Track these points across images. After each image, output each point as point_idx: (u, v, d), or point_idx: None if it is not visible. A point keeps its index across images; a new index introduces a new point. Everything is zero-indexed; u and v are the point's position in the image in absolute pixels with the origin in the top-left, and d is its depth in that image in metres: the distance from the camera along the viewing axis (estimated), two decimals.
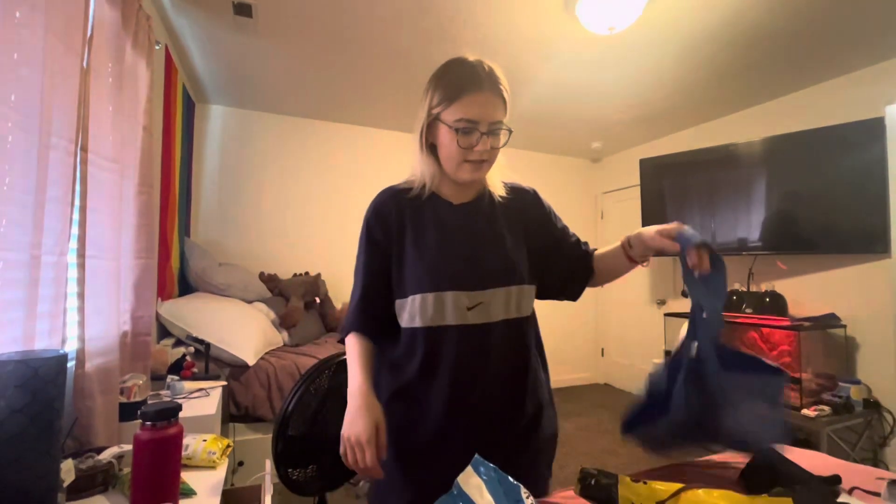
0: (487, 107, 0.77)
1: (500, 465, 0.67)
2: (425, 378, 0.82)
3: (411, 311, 0.83)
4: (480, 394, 0.82)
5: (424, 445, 0.83)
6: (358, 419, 0.74)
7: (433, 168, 0.86)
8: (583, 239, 1.01)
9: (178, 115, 2.55)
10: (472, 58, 0.81)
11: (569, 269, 0.95)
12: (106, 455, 1.02)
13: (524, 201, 0.94)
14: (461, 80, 0.78)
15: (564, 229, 0.97)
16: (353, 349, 0.84)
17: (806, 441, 2.31)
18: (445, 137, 0.80)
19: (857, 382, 2.43)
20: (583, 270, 0.95)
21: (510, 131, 0.82)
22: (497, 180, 0.91)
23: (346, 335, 0.88)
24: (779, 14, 2.06)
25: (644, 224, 3.57)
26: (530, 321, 0.90)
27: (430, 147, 0.85)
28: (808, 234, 2.69)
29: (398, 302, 0.85)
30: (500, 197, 0.90)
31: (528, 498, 0.45)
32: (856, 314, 2.58)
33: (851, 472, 0.88)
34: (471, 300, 0.81)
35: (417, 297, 0.81)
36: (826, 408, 2.32)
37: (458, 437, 0.82)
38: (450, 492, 0.46)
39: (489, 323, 0.82)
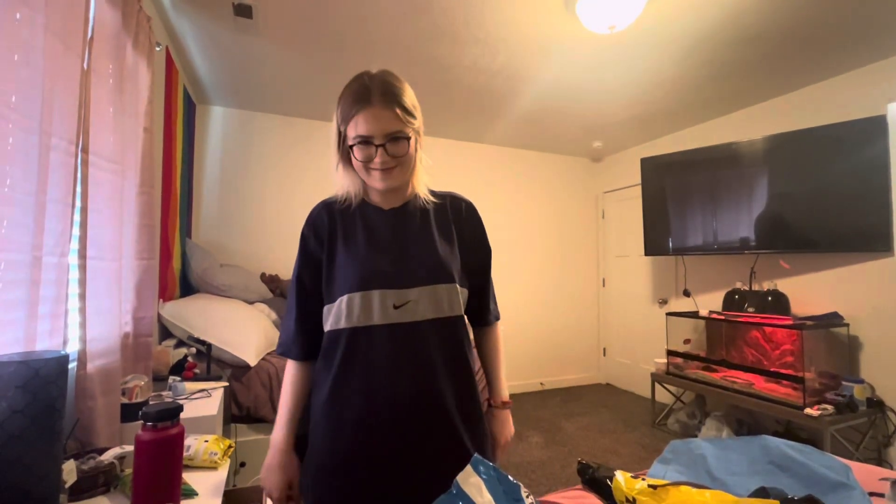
0: (380, 121, 0.78)
1: (427, 476, 0.71)
2: (344, 382, 0.82)
3: (337, 313, 0.83)
4: (406, 394, 0.80)
5: (343, 457, 0.81)
6: (271, 475, 0.83)
7: (355, 179, 0.87)
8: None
9: (179, 116, 2.55)
10: (374, 70, 0.83)
11: (476, 305, 0.98)
12: (108, 456, 1.02)
13: (457, 208, 0.95)
14: (352, 98, 0.79)
15: (486, 271, 0.99)
16: (286, 387, 0.89)
17: (810, 441, 2.31)
18: (352, 150, 0.82)
19: (861, 381, 2.42)
20: (474, 319, 1.01)
21: (408, 138, 0.81)
22: (423, 188, 0.91)
23: (284, 355, 0.90)
24: (780, 12, 2.05)
25: (645, 225, 3.57)
26: (462, 322, 0.90)
27: (349, 160, 0.86)
28: (810, 233, 2.68)
29: (326, 308, 0.86)
30: (432, 202, 0.92)
31: (527, 497, 0.44)
32: (858, 313, 2.57)
33: (855, 472, 0.88)
34: (398, 298, 0.82)
35: (345, 297, 0.82)
36: (829, 407, 2.31)
37: (378, 445, 0.80)
38: (448, 491, 0.45)
39: (417, 322, 0.82)
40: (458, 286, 0.87)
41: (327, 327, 0.85)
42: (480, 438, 0.88)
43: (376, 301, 0.81)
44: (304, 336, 0.88)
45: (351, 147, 0.81)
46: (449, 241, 0.90)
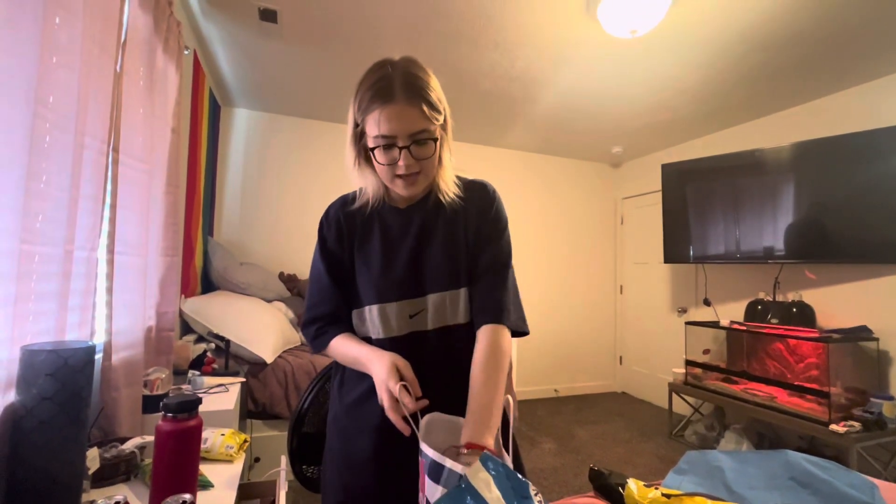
0: (403, 119, 0.70)
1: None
2: (371, 391, 0.77)
3: (360, 321, 0.83)
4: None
5: (363, 463, 0.81)
6: (375, 369, 0.72)
7: (373, 178, 0.81)
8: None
9: (205, 117, 2.62)
10: (396, 58, 0.75)
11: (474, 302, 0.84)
12: (129, 445, 1.05)
13: (472, 198, 0.87)
14: (372, 91, 0.72)
15: (489, 264, 0.84)
16: (343, 342, 0.82)
17: (835, 458, 2.22)
18: (374, 152, 0.75)
19: (891, 398, 2.32)
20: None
21: (434, 139, 0.74)
22: (446, 182, 0.84)
23: (326, 345, 0.84)
24: (808, 17, 2.00)
25: (665, 232, 3.51)
26: (470, 329, 0.83)
27: (367, 157, 0.79)
28: (837, 243, 2.59)
29: (354, 312, 0.85)
30: (453, 196, 0.84)
31: (536, 495, 0.44)
32: (889, 327, 2.47)
33: (883, 492, 0.84)
34: (413, 308, 0.80)
35: (366, 309, 0.82)
36: (856, 424, 2.23)
37: (391, 450, 0.79)
38: (457, 485, 0.46)
39: (426, 331, 0.81)
40: (465, 291, 0.83)
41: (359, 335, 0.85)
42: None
43: (393, 312, 0.80)
44: (345, 323, 0.86)
45: (372, 149, 0.74)
46: (461, 239, 0.85)
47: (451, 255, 0.83)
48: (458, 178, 0.88)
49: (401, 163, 0.73)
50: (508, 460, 0.65)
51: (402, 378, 0.69)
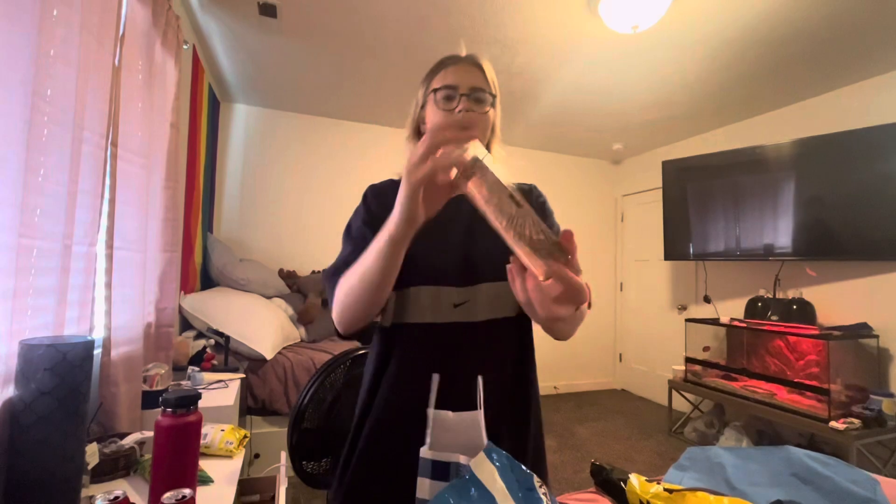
0: (466, 74, 0.78)
1: None
2: (398, 384, 0.75)
3: (399, 305, 0.77)
4: (456, 404, 0.71)
5: (394, 454, 0.74)
6: (394, 212, 0.61)
7: None
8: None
9: (204, 113, 2.61)
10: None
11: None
12: (128, 440, 1.05)
13: (526, 193, 0.88)
14: (441, 60, 0.81)
15: None
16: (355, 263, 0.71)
17: (835, 455, 2.23)
18: (430, 109, 0.80)
19: (890, 395, 2.32)
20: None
21: (493, 96, 0.80)
22: (500, 159, 0.85)
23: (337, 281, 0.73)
24: (809, 14, 1.99)
25: (666, 229, 3.51)
26: (522, 322, 0.81)
27: (420, 135, 0.83)
28: (838, 240, 2.59)
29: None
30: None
31: (540, 486, 0.44)
32: (889, 324, 2.47)
33: (884, 488, 0.84)
34: (459, 296, 0.76)
35: (404, 291, 0.76)
36: (856, 421, 2.23)
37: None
38: (461, 476, 0.45)
39: (474, 322, 0.76)
40: None
41: (389, 319, 0.79)
42: (531, 455, 0.79)
43: (437, 296, 0.75)
44: None
45: (435, 96, 0.78)
46: None
47: (502, 243, 0.79)
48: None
49: (458, 108, 0.76)
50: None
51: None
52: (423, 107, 0.82)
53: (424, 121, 0.82)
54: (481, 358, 0.77)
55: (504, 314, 0.78)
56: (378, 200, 0.83)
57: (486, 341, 0.77)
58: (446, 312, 0.76)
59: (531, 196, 0.90)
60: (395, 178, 0.85)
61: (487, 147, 0.82)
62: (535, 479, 0.44)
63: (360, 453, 0.79)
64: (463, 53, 0.81)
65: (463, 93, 0.76)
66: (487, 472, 0.44)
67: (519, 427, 0.78)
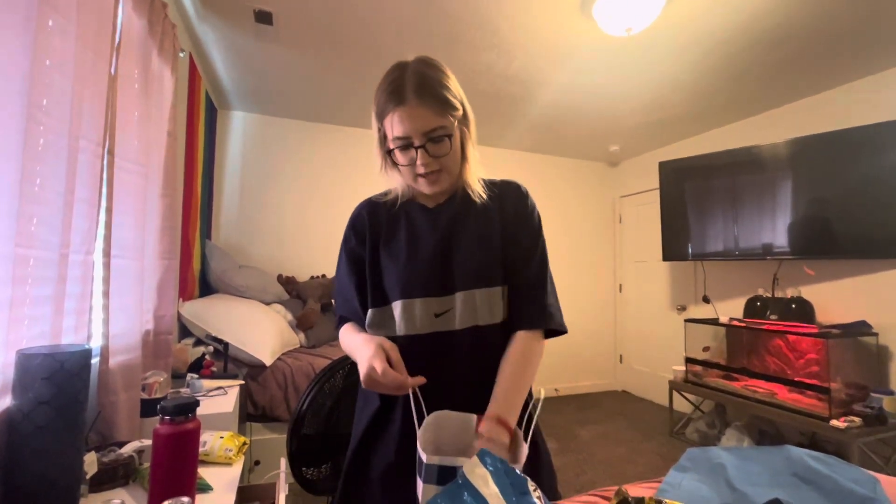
0: (415, 119, 0.72)
1: None
2: (386, 394, 0.77)
3: (383, 320, 0.81)
4: (440, 408, 0.73)
5: (384, 469, 0.78)
6: (362, 352, 0.71)
7: (400, 179, 0.83)
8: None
9: (201, 120, 2.62)
10: (410, 58, 0.77)
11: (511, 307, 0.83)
12: (127, 449, 1.04)
13: (504, 198, 0.86)
14: (386, 94, 0.74)
15: (522, 266, 0.83)
16: (345, 332, 0.84)
17: (836, 454, 2.22)
18: (393, 154, 0.77)
19: (891, 393, 2.32)
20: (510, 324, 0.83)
21: (450, 136, 0.75)
22: (474, 179, 0.84)
23: (342, 325, 0.87)
24: (803, 13, 2.01)
25: (664, 230, 3.51)
26: (505, 328, 0.81)
27: (393, 161, 0.81)
28: (835, 238, 2.59)
29: (370, 311, 0.82)
30: (482, 195, 0.83)
31: (535, 490, 0.44)
32: (889, 322, 2.48)
33: (884, 485, 0.84)
34: (439, 306, 0.78)
35: (389, 306, 0.80)
36: (857, 419, 2.23)
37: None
38: (454, 481, 0.45)
39: (454, 331, 0.78)
40: (501, 289, 0.81)
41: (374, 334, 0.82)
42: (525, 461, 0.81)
43: (418, 309, 0.78)
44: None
45: (391, 151, 0.77)
46: (496, 237, 0.82)
47: (483, 253, 0.81)
48: (488, 180, 0.87)
49: (419, 162, 0.74)
50: (524, 452, 0.63)
51: (388, 359, 0.69)
52: (384, 139, 0.79)
53: (396, 157, 0.78)
54: (466, 364, 0.78)
55: (487, 321, 0.79)
56: (355, 235, 0.87)
57: (469, 348, 0.78)
58: (428, 323, 0.78)
59: (517, 193, 0.88)
60: (376, 195, 0.89)
61: (461, 171, 0.82)
62: (529, 482, 0.44)
63: (359, 462, 0.80)
64: (409, 74, 0.73)
65: (418, 144, 0.73)
66: (480, 476, 0.43)
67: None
